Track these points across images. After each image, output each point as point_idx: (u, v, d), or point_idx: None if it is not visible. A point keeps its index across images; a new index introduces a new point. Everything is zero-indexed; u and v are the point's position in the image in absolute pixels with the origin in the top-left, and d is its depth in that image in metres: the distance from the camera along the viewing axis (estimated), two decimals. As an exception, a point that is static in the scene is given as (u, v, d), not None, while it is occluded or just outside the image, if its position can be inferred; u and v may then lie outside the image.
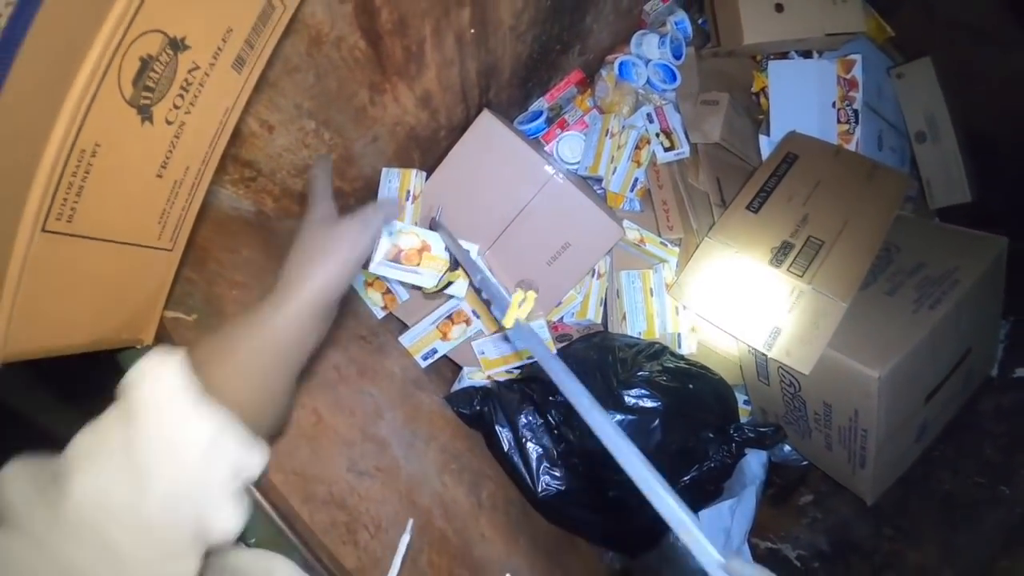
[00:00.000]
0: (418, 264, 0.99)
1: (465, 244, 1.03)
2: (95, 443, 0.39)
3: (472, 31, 0.95)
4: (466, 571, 0.80)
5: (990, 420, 1.12)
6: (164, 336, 0.56)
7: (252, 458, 0.43)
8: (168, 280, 0.54)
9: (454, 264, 1.00)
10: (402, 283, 1.12)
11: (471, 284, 0.98)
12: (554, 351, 1.11)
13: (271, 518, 0.53)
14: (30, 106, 0.36)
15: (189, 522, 0.40)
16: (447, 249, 1.01)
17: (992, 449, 1.07)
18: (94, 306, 0.47)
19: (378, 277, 1.13)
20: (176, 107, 0.45)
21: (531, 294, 0.82)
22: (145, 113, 0.42)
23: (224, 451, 0.41)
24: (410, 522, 0.73)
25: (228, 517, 0.41)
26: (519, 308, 0.81)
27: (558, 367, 0.69)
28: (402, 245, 0.98)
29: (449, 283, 1.03)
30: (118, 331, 0.50)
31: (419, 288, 1.02)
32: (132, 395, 0.40)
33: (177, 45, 0.42)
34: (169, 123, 0.45)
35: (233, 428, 0.42)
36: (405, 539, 0.70)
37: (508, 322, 0.82)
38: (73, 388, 0.84)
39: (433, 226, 1.05)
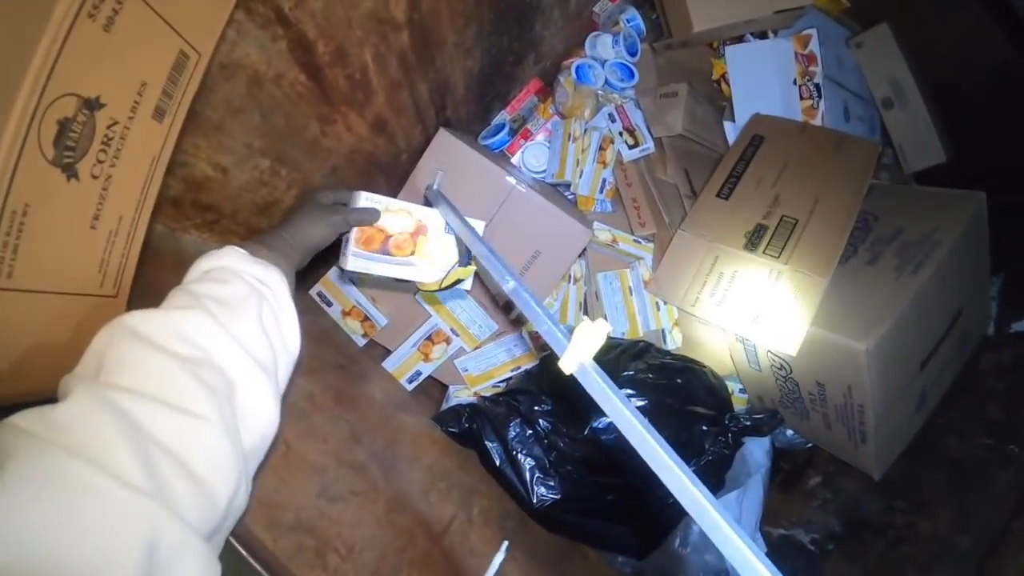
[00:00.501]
0: (412, 253, 0.87)
1: (472, 221, 0.90)
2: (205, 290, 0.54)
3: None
4: (453, 587, 0.83)
5: (991, 379, 1.13)
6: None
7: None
8: (116, 326, 0.59)
9: (466, 255, 0.90)
10: (386, 287, 1.13)
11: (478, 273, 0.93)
12: (538, 360, 1.16)
13: (231, 544, 0.58)
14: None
15: (272, 333, 0.57)
16: (448, 229, 0.91)
17: (996, 408, 1.08)
18: (46, 354, 0.51)
19: (355, 279, 1.14)
20: (100, 162, 0.50)
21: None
22: (70, 171, 0.47)
23: (287, 295, 0.62)
24: (504, 543, 0.79)
25: (294, 337, 0.61)
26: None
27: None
28: (389, 229, 0.85)
29: (458, 281, 0.91)
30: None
31: (414, 285, 0.91)
32: (221, 262, 0.58)
33: (92, 104, 0.47)
34: (95, 177, 0.50)
35: (287, 284, 0.63)
36: (499, 557, 0.75)
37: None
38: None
39: (430, 200, 0.97)
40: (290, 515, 0.67)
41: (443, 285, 0.90)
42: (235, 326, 0.52)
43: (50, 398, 0.53)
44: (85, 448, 0.37)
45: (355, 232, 0.83)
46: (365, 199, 0.84)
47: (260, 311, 0.56)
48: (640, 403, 1.10)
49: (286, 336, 0.60)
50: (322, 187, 0.88)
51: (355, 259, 0.83)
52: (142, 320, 0.47)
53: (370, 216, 0.84)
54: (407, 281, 0.89)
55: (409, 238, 0.87)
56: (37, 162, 0.44)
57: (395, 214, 0.86)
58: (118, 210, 0.54)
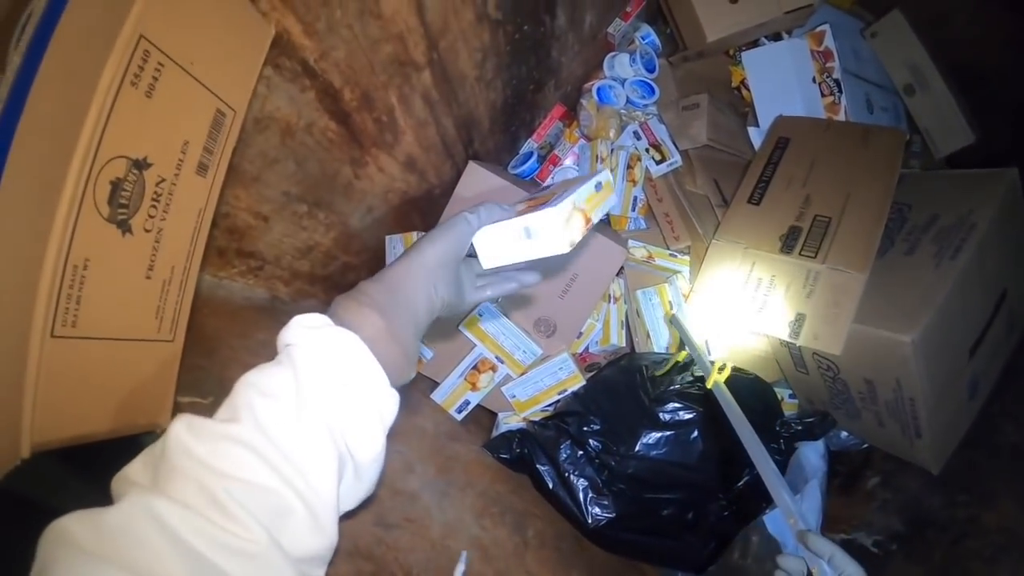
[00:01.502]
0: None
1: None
2: (260, 378, 0.48)
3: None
4: (507, 610, 0.85)
5: (1045, 358, 1.11)
6: (182, 420, 0.66)
7: (378, 376, 0.52)
8: (174, 367, 0.64)
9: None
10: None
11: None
12: (583, 381, 1.18)
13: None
14: (20, 236, 0.45)
15: (333, 432, 0.49)
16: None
17: (1052, 389, 1.06)
18: (108, 397, 0.56)
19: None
20: (151, 216, 0.55)
21: (729, 364, 0.90)
22: (124, 227, 0.52)
23: (357, 368, 0.51)
24: (463, 553, 0.79)
25: (365, 435, 0.50)
26: (719, 373, 0.90)
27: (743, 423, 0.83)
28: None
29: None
30: (134, 418, 0.60)
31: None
32: (285, 339, 0.51)
33: (141, 164, 0.52)
34: (147, 231, 0.55)
35: (359, 345, 0.51)
36: (460, 568, 0.77)
37: (709, 384, 0.90)
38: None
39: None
40: (347, 543, 0.70)
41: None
42: (285, 437, 0.46)
43: (109, 440, 0.58)
44: (132, 561, 0.37)
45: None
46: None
47: (320, 410, 0.48)
48: (689, 416, 1.11)
49: (358, 438, 0.50)
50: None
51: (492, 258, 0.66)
52: (191, 436, 0.44)
53: (525, 284, 0.72)
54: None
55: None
56: (94, 220, 0.49)
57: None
58: (170, 260, 0.59)
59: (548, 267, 0.70)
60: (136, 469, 0.45)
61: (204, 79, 0.57)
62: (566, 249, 0.63)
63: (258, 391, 0.47)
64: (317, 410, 0.48)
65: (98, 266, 0.50)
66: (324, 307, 0.57)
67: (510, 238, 0.64)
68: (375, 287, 0.56)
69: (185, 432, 0.44)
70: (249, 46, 0.64)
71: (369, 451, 0.51)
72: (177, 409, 0.65)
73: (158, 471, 0.43)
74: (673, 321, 1.19)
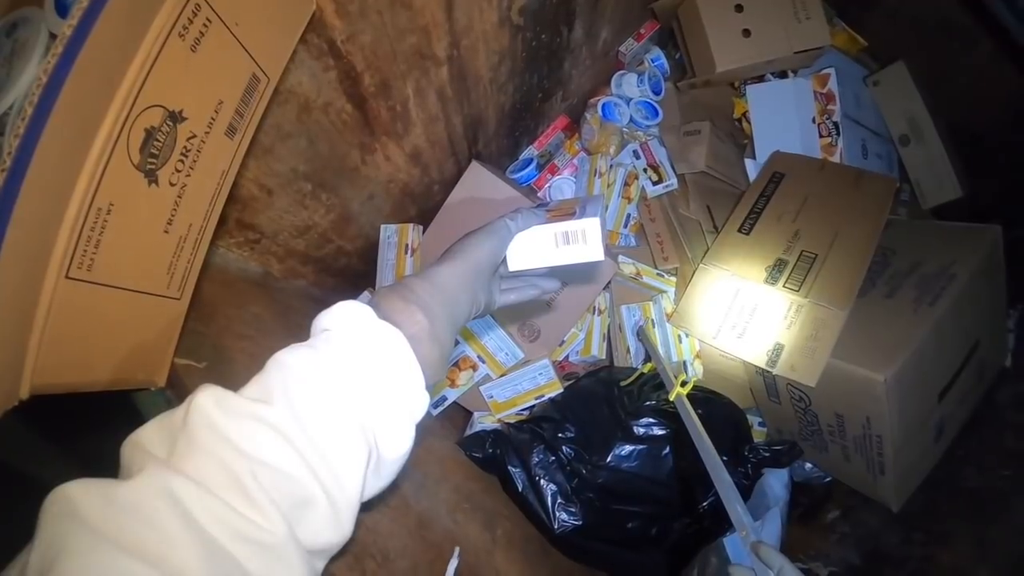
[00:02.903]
0: (573, 211, 0.71)
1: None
2: (296, 361, 0.47)
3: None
4: (481, 604, 0.85)
5: (1009, 410, 1.15)
6: (176, 381, 0.65)
7: (417, 376, 0.51)
8: (177, 326, 0.63)
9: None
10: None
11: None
12: (562, 388, 1.19)
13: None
14: (55, 170, 0.45)
15: (364, 428, 0.48)
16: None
17: (1014, 439, 1.09)
18: (111, 348, 0.55)
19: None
20: (178, 171, 0.54)
21: (694, 378, 0.89)
22: (151, 176, 0.52)
23: (397, 364, 0.50)
24: (456, 549, 0.79)
25: (396, 435, 0.49)
26: (681, 387, 0.93)
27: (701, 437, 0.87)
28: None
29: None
30: (133, 372, 0.59)
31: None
32: (324, 324, 0.51)
33: (176, 117, 0.52)
34: (172, 185, 0.54)
35: (403, 342, 0.50)
36: (453, 563, 0.76)
37: (672, 396, 0.93)
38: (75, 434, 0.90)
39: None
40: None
41: None
42: (318, 427, 0.45)
43: (110, 390, 0.57)
44: (142, 546, 0.36)
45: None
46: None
47: (356, 404, 0.47)
48: (662, 432, 1.12)
49: (389, 436, 0.50)
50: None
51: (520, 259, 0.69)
52: (219, 411, 0.42)
53: (547, 291, 0.73)
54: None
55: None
56: (124, 165, 0.48)
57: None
58: (189, 218, 0.58)
59: (567, 275, 0.71)
60: (151, 436, 0.43)
61: (245, 42, 0.56)
62: (601, 256, 0.67)
63: (294, 375, 0.46)
64: (353, 403, 0.47)
65: (121, 212, 0.50)
66: (313, 288, 0.57)
67: (543, 243, 0.67)
68: (422, 285, 0.56)
69: (213, 405, 0.42)
70: (291, 17, 0.64)
71: (398, 449, 0.50)
72: (173, 370, 0.64)
73: (176, 442, 0.42)
74: (640, 334, 1.21)
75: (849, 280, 1.06)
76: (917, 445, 1.10)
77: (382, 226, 1.16)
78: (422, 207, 1.22)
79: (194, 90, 0.53)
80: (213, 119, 0.56)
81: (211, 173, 0.59)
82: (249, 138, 0.62)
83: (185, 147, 0.54)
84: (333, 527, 0.45)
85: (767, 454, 1.14)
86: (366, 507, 0.58)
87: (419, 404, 0.52)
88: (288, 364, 0.46)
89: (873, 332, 1.03)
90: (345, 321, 0.50)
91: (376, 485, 0.52)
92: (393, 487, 0.86)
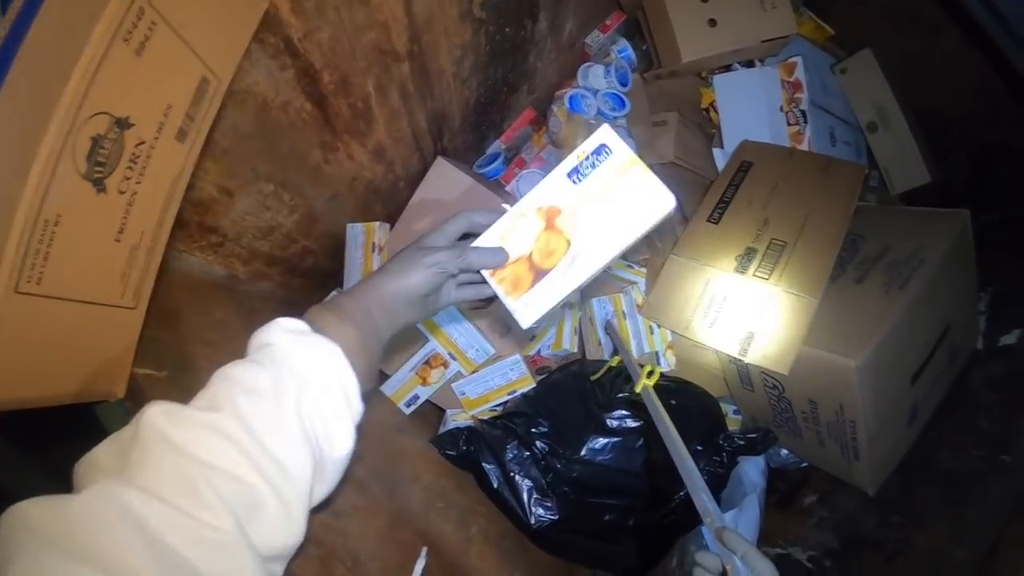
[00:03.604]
0: (568, 243, 0.66)
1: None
2: (240, 374, 0.50)
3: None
4: (456, 602, 0.86)
5: (982, 392, 1.16)
6: (137, 391, 0.65)
7: (353, 384, 0.55)
8: (135, 336, 0.62)
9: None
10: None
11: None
12: (534, 383, 1.19)
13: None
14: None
15: (308, 432, 0.51)
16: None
17: (988, 421, 1.10)
18: (66, 361, 0.55)
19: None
20: (127, 178, 0.54)
21: (659, 369, 0.89)
22: (99, 185, 0.51)
23: (334, 373, 0.53)
24: (423, 549, 0.79)
25: (339, 435, 0.54)
26: (647, 378, 0.93)
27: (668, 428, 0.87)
28: (521, 247, 0.67)
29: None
30: (91, 385, 0.59)
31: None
32: (263, 338, 0.54)
33: (123, 124, 0.51)
34: (122, 193, 0.54)
35: (339, 354, 0.54)
36: (420, 563, 0.77)
37: (638, 388, 0.92)
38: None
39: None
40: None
41: None
42: (265, 431, 0.47)
43: (65, 404, 0.57)
44: (93, 552, 0.36)
45: (495, 286, 0.68)
46: (478, 220, 0.69)
47: (299, 409, 0.50)
48: (635, 424, 1.12)
49: (332, 437, 0.53)
50: (433, 230, 0.69)
51: (524, 311, 0.67)
52: (168, 423, 0.44)
53: (492, 258, 0.67)
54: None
55: (549, 234, 0.67)
56: (70, 175, 0.48)
57: (513, 227, 0.68)
58: (141, 225, 0.57)
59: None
60: (103, 454, 0.45)
61: (194, 44, 0.56)
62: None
63: (240, 387, 0.49)
64: (296, 411, 0.50)
65: (69, 223, 0.49)
66: (279, 290, 0.58)
67: (552, 308, 0.67)
68: (352, 304, 0.61)
69: (162, 418, 0.44)
70: (242, 17, 0.63)
71: (340, 452, 0.54)
72: (133, 380, 0.64)
73: (128, 456, 0.43)
74: (608, 328, 1.21)
75: (819, 267, 1.07)
76: (891, 429, 1.11)
77: (348, 225, 1.16)
78: (388, 205, 1.21)
79: (141, 95, 0.52)
80: (162, 124, 0.55)
81: (162, 179, 0.58)
82: (201, 142, 0.62)
83: (134, 154, 0.53)
84: (285, 529, 0.47)
85: (742, 442, 1.15)
86: (331, 511, 0.58)
87: (356, 409, 0.56)
88: (233, 376, 0.49)
89: (844, 318, 1.04)
90: (284, 336, 0.53)
91: (321, 490, 0.54)
92: (363, 488, 0.87)
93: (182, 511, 0.41)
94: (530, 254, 0.67)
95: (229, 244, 0.95)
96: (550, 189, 0.67)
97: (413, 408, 1.22)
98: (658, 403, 0.88)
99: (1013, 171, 1.32)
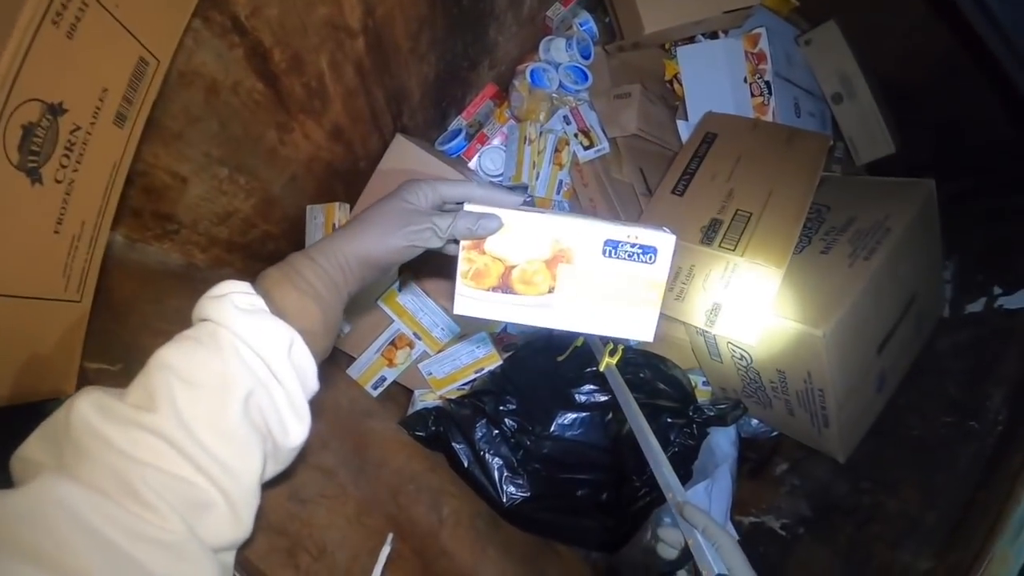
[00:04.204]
0: (549, 290, 0.64)
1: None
2: (179, 360, 0.46)
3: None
4: (424, 587, 0.86)
5: (949, 359, 1.18)
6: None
7: (313, 371, 0.52)
8: (81, 330, 0.61)
9: None
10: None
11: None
12: (501, 360, 1.19)
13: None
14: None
15: (260, 428, 0.48)
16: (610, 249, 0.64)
17: (955, 387, 1.12)
18: (9, 360, 0.53)
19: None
20: (63, 167, 0.52)
21: (621, 346, 0.88)
22: (34, 175, 0.49)
23: (293, 362, 0.50)
24: (389, 535, 0.79)
25: (294, 426, 0.50)
26: (610, 357, 0.90)
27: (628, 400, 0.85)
28: (512, 257, 0.63)
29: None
30: (37, 383, 0.57)
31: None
32: (211, 314, 0.49)
33: (56, 110, 0.49)
34: (59, 182, 0.52)
35: (299, 341, 0.50)
36: (385, 550, 0.76)
37: (601, 367, 0.89)
38: None
39: None
40: (260, 518, 0.68)
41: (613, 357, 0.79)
42: (208, 431, 0.44)
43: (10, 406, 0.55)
44: (37, 552, 0.36)
45: (462, 261, 0.63)
46: (481, 196, 0.65)
47: (249, 403, 0.47)
48: (604, 398, 1.13)
49: (287, 427, 0.50)
50: (421, 180, 0.65)
51: (464, 301, 0.64)
52: (101, 419, 0.42)
53: (481, 227, 0.61)
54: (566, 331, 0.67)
55: (543, 268, 0.63)
56: (3, 165, 0.46)
57: (521, 231, 0.63)
58: (81, 215, 0.56)
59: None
60: (35, 447, 0.43)
61: (129, 24, 0.54)
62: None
63: (178, 377, 0.45)
64: (244, 405, 0.47)
65: (4, 216, 0.47)
66: (241, 276, 0.55)
67: (489, 319, 0.66)
68: (315, 273, 0.55)
69: (93, 412, 0.42)
70: (178, -6, 0.61)
71: (294, 440, 0.51)
72: (83, 376, 0.62)
73: (63, 451, 0.41)
74: None
75: (785, 237, 1.06)
76: (859, 397, 1.12)
77: (308, 207, 1.14)
78: (349, 185, 1.19)
79: (74, 80, 0.50)
80: (98, 109, 0.54)
81: (101, 165, 0.56)
82: (142, 125, 0.60)
83: (69, 141, 0.52)
84: (233, 526, 0.46)
85: (712, 413, 1.16)
86: (297, 500, 0.57)
87: (312, 390, 0.53)
88: (170, 364, 0.45)
89: (811, 288, 1.04)
90: (235, 317, 0.48)
91: (275, 469, 0.52)
92: (331, 476, 0.86)
93: (126, 509, 0.40)
94: (514, 266, 0.63)
95: (185, 231, 0.93)
96: (579, 235, 0.63)
97: (380, 390, 1.22)
98: (621, 381, 0.87)
99: (977, 141, 1.33)
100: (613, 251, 0.63)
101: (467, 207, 0.62)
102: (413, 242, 0.59)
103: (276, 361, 0.48)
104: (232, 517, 0.45)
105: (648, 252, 0.63)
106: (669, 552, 0.70)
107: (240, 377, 0.47)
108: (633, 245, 0.63)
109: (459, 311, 0.64)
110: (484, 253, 0.63)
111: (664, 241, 0.63)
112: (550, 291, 0.63)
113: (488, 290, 0.63)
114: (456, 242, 0.62)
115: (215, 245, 0.99)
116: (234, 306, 0.48)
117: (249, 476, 0.47)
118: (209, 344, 0.47)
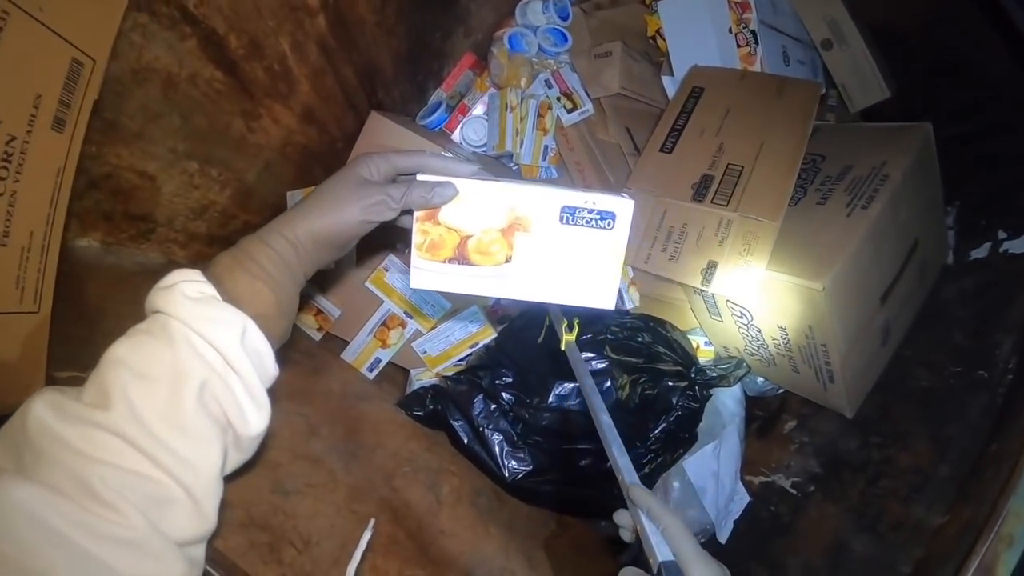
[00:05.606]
0: (506, 260, 0.62)
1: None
2: (131, 354, 0.46)
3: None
4: (420, 570, 0.86)
5: (955, 306, 1.16)
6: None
7: (270, 357, 0.52)
8: (43, 340, 0.61)
9: None
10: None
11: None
12: (495, 334, 1.19)
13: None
14: None
15: (218, 418, 0.48)
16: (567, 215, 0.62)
17: (962, 335, 1.10)
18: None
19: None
20: (2, 179, 0.52)
21: (577, 321, 0.87)
22: (-29, 190, 0.49)
23: (247, 349, 0.49)
24: (371, 521, 0.80)
25: (253, 415, 0.50)
26: (568, 333, 0.87)
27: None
28: (467, 227, 0.61)
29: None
30: (3, 396, 0.57)
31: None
32: (161, 305, 0.48)
33: (-14, 122, 0.49)
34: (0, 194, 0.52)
35: (253, 327, 0.50)
36: (366, 536, 0.77)
37: (563, 345, 0.85)
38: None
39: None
40: (239, 513, 0.69)
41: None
42: (163, 426, 0.44)
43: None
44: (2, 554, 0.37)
45: (416, 233, 0.61)
46: (436, 166, 0.63)
47: (204, 394, 0.47)
48: (601, 365, 1.12)
49: (246, 417, 0.50)
50: (373, 153, 0.63)
51: (419, 274, 0.62)
52: (56, 419, 0.42)
53: (436, 195, 0.59)
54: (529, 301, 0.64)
55: (499, 237, 0.62)
56: (-65, 185, 0.46)
57: (476, 200, 0.61)
58: (28, 225, 0.56)
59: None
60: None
61: (56, 26, 0.53)
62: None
63: (131, 371, 0.45)
64: (200, 397, 0.46)
65: (-56, 234, 0.48)
66: None
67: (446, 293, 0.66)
68: (266, 255, 0.54)
69: (48, 414, 0.42)
70: (107, -10, 0.61)
71: (255, 428, 0.50)
72: (54, 385, 0.63)
73: (22, 454, 0.42)
74: None
75: (778, 190, 1.05)
76: (864, 350, 1.11)
77: (288, 193, 1.14)
78: (328, 167, 1.18)
79: (3, 90, 0.50)
80: (33, 116, 0.53)
81: (44, 173, 0.56)
82: (84, 127, 0.60)
83: (6, 152, 0.51)
84: (196, 519, 0.46)
85: (714, 374, 1.16)
86: (280, 492, 0.57)
87: (271, 376, 0.52)
88: (123, 359, 0.45)
89: (808, 240, 1.03)
90: (186, 307, 0.47)
91: (238, 458, 0.52)
92: (319, 464, 0.87)
93: (86, 509, 0.40)
94: (469, 236, 0.61)
95: (162, 230, 0.93)
96: (536, 202, 0.61)
97: (376, 372, 1.22)
98: (579, 357, 0.86)
99: (972, 83, 1.30)
100: (570, 218, 0.61)
101: (420, 177, 0.60)
102: (368, 216, 0.58)
103: (229, 349, 0.48)
104: (194, 510, 0.45)
105: (607, 218, 0.61)
106: (628, 536, 0.69)
107: (193, 368, 0.46)
108: (591, 211, 0.61)
109: (415, 285, 0.62)
110: (439, 224, 0.61)
111: (623, 206, 0.61)
112: (507, 261, 0.62)
113: (444, 262, 0.61)
114: (411, 213, 0.61)
115: (195, 241, 0.99)
116: (183, 295, 0.48)
117: (208, 468, 0.47)
118: (160, 336, 0.46)
